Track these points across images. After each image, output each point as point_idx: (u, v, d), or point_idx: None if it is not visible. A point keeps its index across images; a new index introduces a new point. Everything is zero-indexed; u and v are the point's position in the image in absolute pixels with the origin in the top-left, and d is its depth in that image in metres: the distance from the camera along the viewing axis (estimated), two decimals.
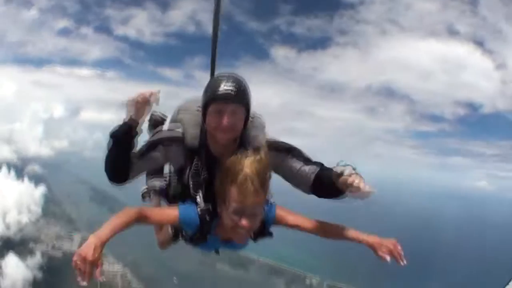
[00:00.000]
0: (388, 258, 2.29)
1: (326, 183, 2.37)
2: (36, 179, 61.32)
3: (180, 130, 2.59)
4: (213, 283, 47.12)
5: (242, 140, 2.50)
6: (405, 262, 2.29)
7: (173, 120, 2.76)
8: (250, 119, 2.47)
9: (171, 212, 2.52)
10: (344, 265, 53.16)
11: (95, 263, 1.90)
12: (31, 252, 45.74)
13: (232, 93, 2.30)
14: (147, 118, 2.70)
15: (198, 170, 2.54)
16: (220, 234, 2.58)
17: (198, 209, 2.49)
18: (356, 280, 50.00)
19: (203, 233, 2.56)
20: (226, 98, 2.30)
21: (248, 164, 2.23)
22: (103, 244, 2.00)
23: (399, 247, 2.33)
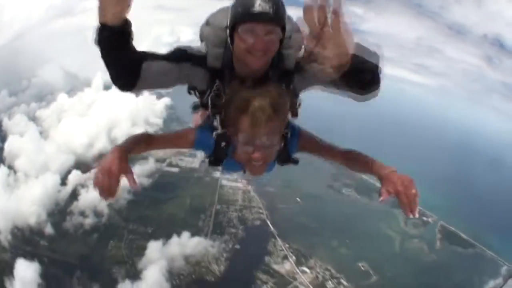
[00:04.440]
0: (383, 198, 2.00)
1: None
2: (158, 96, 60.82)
3: (203, 49, 2.34)
4: (336, 206, 45.56)
5: (274, 60, 2.24)
6: (415, 214, 1.93)
7: (200, 36, 2.53)
8: (286, 39, 2.20)
9: (187, 136, 2.48)
10: (463, 211, 51.98)
11: (122, 174, 1.86)
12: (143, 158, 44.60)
13: (270, 11, 2.00)
14: None
15: (219, 93, 2.32)
16: (238, 160, 2.39)
17: (214, 134, 2.38)
18: (471, 229, 48.14)
19: (217, 158, 2.50)
20: (262, 18, 2.00)
21: (260, 92, 2.06)
22: (127, 153, 2.01)
23: (413, 190, 1.97)
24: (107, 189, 1.82)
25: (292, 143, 2.47)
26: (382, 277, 38.73)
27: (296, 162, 2.58)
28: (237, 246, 38.79)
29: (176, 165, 46.20)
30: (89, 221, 39.53)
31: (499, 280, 44.58)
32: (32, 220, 37.87)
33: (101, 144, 46.86)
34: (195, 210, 40.62)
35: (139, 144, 2.26)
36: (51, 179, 41.74)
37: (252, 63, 2.14)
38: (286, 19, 2.13)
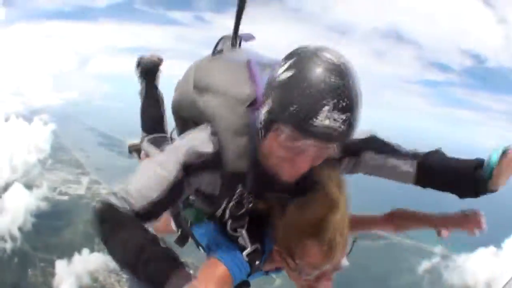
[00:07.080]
0: (477, 232, 1.85)
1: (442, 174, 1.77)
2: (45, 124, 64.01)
3: (210, 143, 1.54)
4: None
5: None
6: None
7: (188, 106, 1.80)
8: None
9: (217, 275, 1.66)
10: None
11: None
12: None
13: (340, 130, 1.31)
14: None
15: (242, 200, 1.69)
16: (265, 268, 1.95)
17: (245, 255, 1.74)
18: None
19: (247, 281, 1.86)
20: (326, 137, 1.32)
21: (337, 211, 1.57)
22: None
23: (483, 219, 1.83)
24: None
25: None
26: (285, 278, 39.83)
27: None
28: None
29: (66, 193, 47.87)
30: (8, 245, 42.39)
31: (436, 259, 43.90)
32: None
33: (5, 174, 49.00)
34: (89, 234, 42.51)
35: None
36: None
37: (288, 175, 1.50)
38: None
